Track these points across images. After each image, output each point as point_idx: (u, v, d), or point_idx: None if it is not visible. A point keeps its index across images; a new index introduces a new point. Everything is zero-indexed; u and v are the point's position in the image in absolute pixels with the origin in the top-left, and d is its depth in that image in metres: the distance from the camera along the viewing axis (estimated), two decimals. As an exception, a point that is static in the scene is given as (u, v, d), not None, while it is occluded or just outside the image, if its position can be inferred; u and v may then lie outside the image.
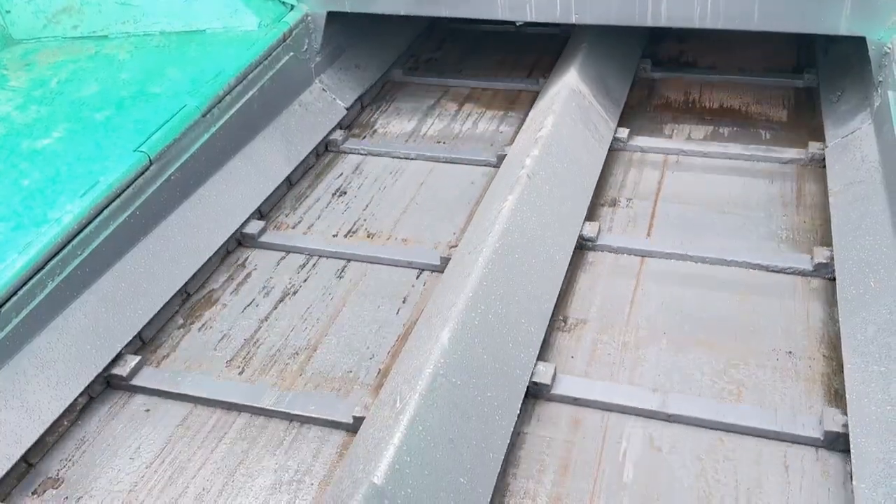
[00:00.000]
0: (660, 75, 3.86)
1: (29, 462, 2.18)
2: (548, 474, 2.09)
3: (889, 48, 2.92)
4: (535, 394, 2.29)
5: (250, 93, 3.17)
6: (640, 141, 3.37)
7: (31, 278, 2.28)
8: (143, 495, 2.10)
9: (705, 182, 3.12)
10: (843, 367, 2.22)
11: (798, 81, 3.68)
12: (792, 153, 3.19)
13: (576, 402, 2.27)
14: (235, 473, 2.14)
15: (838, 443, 2.08)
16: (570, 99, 3.24)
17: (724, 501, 1.98)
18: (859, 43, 3.04)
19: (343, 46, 3.81)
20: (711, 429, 2.16)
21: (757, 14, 3.02)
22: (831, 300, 2.51)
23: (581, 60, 3.53)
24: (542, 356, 2.36)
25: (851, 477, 1.94)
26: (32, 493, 2.13)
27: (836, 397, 2.21)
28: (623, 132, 3.36)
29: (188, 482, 2.12)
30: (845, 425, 2.07)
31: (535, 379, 2.28)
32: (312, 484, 2.10)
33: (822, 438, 2.09)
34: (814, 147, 3.15)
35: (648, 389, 2.26)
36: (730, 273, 2.67)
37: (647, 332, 2.47)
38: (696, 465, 2.07)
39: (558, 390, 2.29)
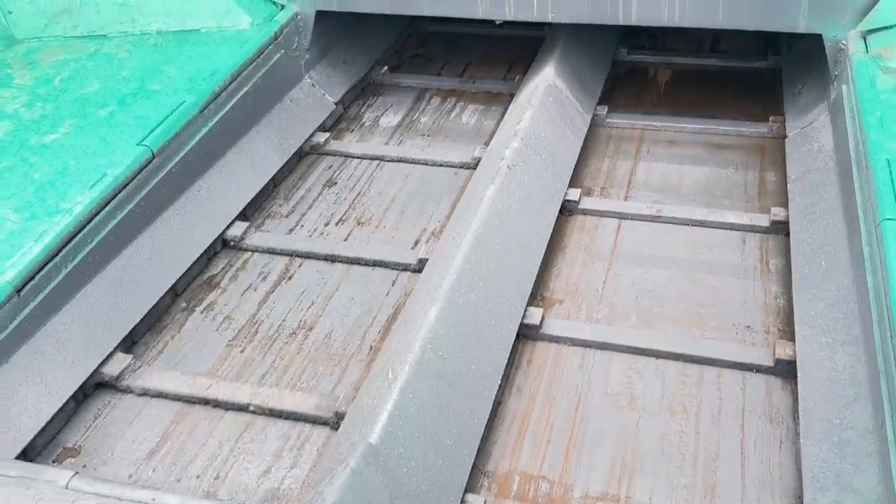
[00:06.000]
0: (634, 58, 4.16)
1: (49, 433, 2.36)
2: (527, 441, 2.30)
3: (844, 45, 3.15)
4: (516, 365, 2.52)
5: (244, 89, 3.35)
6: (615, 119, 3.69)
7: (46, 264, 2.46)
8: (157, 461, 2.30)
9: (676, 156, 3.44)
10: (794, 338, 2.45)
11: (763, 63, 3.98)
12: (755, 127, 3.53)
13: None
14: (240, 440, 2.34)
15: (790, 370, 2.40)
16: (548, 94, 3.45)
17: (685, 459, 2.21)
18: (818, 39, 3.27)
19: (331, 44, 4.00)
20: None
21: (721, 13, 3.24)
22: (787, 281, 2.73)
23: (558, 56, 3.74)
24: (520, 331, 2.58)
25: (799, 435, 2.18)
26: (53, 462, 2.32)
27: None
28: (601, 109, 3.70)
29: (198, 450, 2.32)
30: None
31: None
32: (312, 450, 2.30)
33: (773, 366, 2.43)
34: (774, 122, 3.50)
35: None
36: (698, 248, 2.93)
37: (618, 310, 2.69)
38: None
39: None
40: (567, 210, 3.12)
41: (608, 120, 3.66)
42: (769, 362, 2.43)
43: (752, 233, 2.96)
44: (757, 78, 3.91)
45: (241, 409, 2.43)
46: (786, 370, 2.40)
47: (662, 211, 3.09)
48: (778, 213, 2.95)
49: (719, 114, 3.64)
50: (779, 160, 3.32)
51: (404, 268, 2.93)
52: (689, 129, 3.57)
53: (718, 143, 3.49)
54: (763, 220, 2.98)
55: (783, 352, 2.42)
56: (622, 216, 3.10)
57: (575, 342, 2.58)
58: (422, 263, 2.86)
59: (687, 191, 3.23)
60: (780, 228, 2.93)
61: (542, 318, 2.63)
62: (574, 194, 3.15)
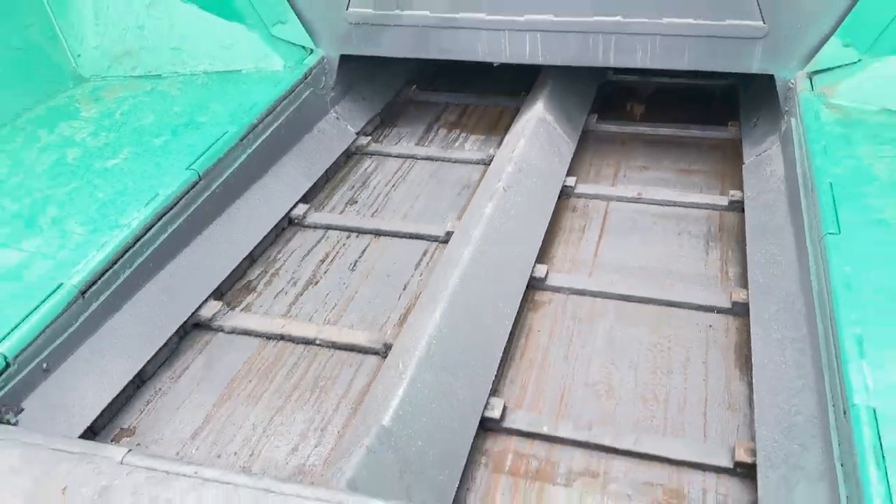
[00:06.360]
0: (619, 78, 4.30)
1: (107, 417, 2.37)
2: (523, 414, 2.31)
3: (793, 84, 3.16)
4: (510, 358, 2.52)
5: (278, 122, 3.38)
6: (602, 126, 3.88)
7: (107, 271, 2.47)
8: (199, 441, 2.31)
9: (653, 154, 3.63)
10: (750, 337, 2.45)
11: (723, 82, 4.09)
12: (718, 132, 3.73)
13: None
14: (271, 423, 2.35)
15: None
16: (539, 126, 3.46)
17: (655, 441, 2.21)
18: (770, 79, 3.27)
19: (352, 83, 4.02)
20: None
21: (686, 57, 3.26)
22: (745, 284, 2.73)
23: (548, 93, 3.75)
24: (513, 331, 2.59)
25: (753, 422, 2.17)
26: (111, 441, 2.33)
27: (747, 359, 2.44)
28: (592, 117, 3.90)
29: (235, 432, 2.33)
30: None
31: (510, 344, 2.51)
32: (333, 432, 2.31)
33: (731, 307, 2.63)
34: (732, 125, 3.71)
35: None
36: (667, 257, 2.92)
37: (597, 315, 2.70)
38: (634, 414, 2.29)
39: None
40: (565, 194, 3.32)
41: (597, 126, 3.86)
42: (727, 304, 2.64)
43: (714, 210, 3.16)
44: (718, 94, 4.12)
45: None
46: (742, 310, 2.59)
47: (643, 194, 3.25)
48: (735, 194, 3.15)
49: (689, 119, 3.84)
50: (735, 154, 3.50)
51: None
52: (662, 132, 3.76)
53: (686, 144, 3.67)
54: (723, 201, 3.17)
55: (738, 296, 2.62)
56: (608, 198, 3.31)
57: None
58: (434, 261, 2.87)
59: (664, 180, 3.43)
60: (736, 206, 3.11)
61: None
62: (571, 181, 3.37)
